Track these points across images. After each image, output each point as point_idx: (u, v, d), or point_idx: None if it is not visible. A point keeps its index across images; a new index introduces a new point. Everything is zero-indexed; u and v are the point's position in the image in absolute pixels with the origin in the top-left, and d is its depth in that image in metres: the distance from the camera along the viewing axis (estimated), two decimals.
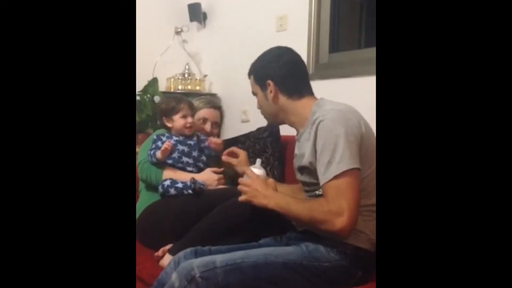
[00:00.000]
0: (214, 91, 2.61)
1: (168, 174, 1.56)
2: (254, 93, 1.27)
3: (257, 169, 1.21)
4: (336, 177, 1.01)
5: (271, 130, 1.86)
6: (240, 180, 1.18)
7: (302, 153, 1.14)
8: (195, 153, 1.64)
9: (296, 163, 1.21)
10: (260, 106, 1.27)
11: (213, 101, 1.98)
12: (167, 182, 1.52)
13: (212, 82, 2.64)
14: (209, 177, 1.57)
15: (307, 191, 1.17)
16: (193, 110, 1.71)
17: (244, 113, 2.37)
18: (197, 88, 2.57)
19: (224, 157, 1.52)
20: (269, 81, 1.20)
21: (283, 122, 1.26)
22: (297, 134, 1.23)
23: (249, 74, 1.28)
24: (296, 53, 1.26)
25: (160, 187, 1.53)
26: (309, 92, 1.22)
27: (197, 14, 2.59)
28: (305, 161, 1.11)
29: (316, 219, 1.03)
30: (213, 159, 1.69)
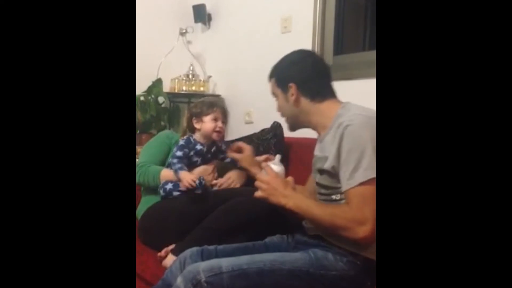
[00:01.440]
0: (218, 92, 2.62)
1: (166, 175, 1.55)
2: (275, 95, 1.25)
3: (276, 166, 1.18)
4: (361, 184, 0.98)
5: (275, 131, 1.86)
6: (258, 176, 1.15)
7: (325, 156, 1.11)
8: (208, 155, 1.62)
9: (316, 164, 1.18)
10: (280, 109, 1.25)
11: (222, 101, 1.97)
12: (169, 186, 1.51)
13: (216, 83, 2.65)
14: (204, 170, 1.56)
15: (321, 194, 1.15)
16: (225, 117, 1.65)
17: (248, 115, 2.37)
18: (201, 89, 2.57)
19: (229, 153, 1.51)
20: (291, 84, 1.18)
21: (304, 125, 1.23)
22: (318, 136, 1.21)
23: (270, 76, 1.26)
24: (319, 56, 1.25)
25: (162, 191, 1.52)
26: (332, 94, 1.20)
27: (201, 15, 2.60)
28: (327, 164, 1.08)
29: (338, 225, 1.01)
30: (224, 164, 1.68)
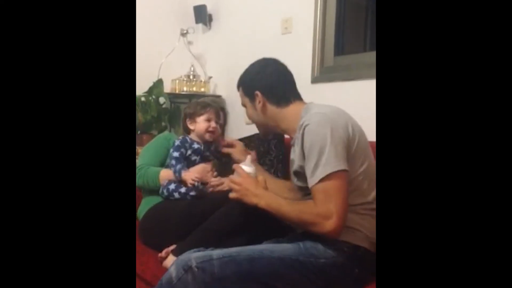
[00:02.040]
0: (218, 93, 2.62)
1: (166, 175, 1.56)
2: (244, 105, 1.31)
3: (247, 167, 1.21)
4: (322, 179, 1.02)
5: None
6: (230, 177, 1.19)
7: (294, 158, 1.16)
8: (206, 153, 1.64)
9: (291, 168, 1.22)
10: (250, 117, 1.31)
11: (217, 102, 1.98)
12: (172, 186, 1.51)
13: (217, 84, 2.65)
14: (203, 169, 1.57)
15: (304, 195, 1.17)
16: (219, 117, 1.67)
17: None
18: (202, 89, 2.58)
19: (224, 149, 1.57)
20: (257, 92, 1.23)
21: (275, 131, 1.29)
22: (291, 140, 1.24)
23: (238, 86, 1.32)
24: (281, 63, 1.29)
25: (165, 191, 1.53)
26: (297, 97, 1.24)
27: (202, 16, 2.60)
28: (296, 165, 1.13)
29: (306, 221, 1.05)
30: (222, 163, 1.69)
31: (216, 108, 1.66)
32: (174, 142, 1.62)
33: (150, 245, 1.47)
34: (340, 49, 2.04)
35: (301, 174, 1.13)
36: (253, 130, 2.02)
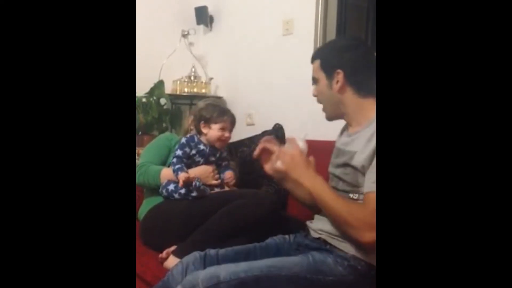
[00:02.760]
0: (219, 94, 2.62)
1: (167, 174, 1.55)
2: (315, 80, 1.17)
3: (302, 143, 1.11)
4: None
5: (277, 133, 1.86)
6: (283, 148, 1.10)
7: (353, 151, 1.08)
8: (211, 158, 1.61)
9: (340, 157, 1.13)
10: (319, 94, 1.17)
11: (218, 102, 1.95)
12: (171, 187, 1.51)
13: (218, 85, 2.65)
14: (204, 170, 1.55)
15: (338, 189, 1.12)
16: (233, 126, 1.62)
17: (249, 117, 2.37)
18: (203, 90, 2.58)
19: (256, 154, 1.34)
20: (339, 70, 1.10)
21: (341, 117, 1.17)
22: (347, 129, 1.16)
23: (314, 58, 1.17)
24: (371, 47, 1.17)
25: (164, 191, 1.52)
26: (375, 93, 1.13)
27: (204, 17, 2.61)
28: (357, 161, 1.04)
29: (348, 222, 0.99)
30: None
31: (233, 116, 1.61)
32: (180, 139, 1.61)
33: (151, 246, 1.47)
34: None
35: (353, 170, 1.05)
36: (254, 131, 2.03)
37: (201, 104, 1.66)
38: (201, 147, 1.59)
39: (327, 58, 1.14)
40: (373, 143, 1.01)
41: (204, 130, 1.59)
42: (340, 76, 1.10)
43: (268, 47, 2.29)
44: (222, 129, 1.57)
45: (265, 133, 1.89)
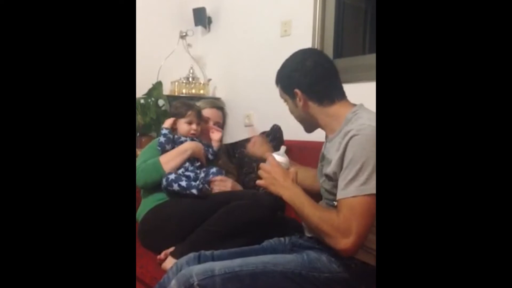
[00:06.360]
0: (218, 95, 2.62)
1: (165, 158, 1.58)
2: (284, 100, 1.23)
3: (279, 156, 1.17)
4: (355, 197, 0.97)
5: (275, 134, 1.86)
6: (261, 165, 1.14)
7: (328, 159, 1.11)
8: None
9: (322, 167, 1.17)
10: (291, 113, 1.23)
11: (216, 102, 1.99)
12: (172, 176, 1.50)
13: (216, 86, 2.65)
14: (196, 143, 1.65)
15: (325, 198, 1.15)
16: (200, 118, 1.72)
17: (248, 118, 2.37)
18: (201, 92, 2.58)
19: (247, 151, 1.55)
20: (296, 90, 1.14)
21: (317, 127, 1.21)
22: (326, 137, 1.19)
23: (276, 83, 1.23)
24: (322, 54, 1.21)
25: (164, 180, 1.51)
26: (341, 96, 1.16)
27: (202, 19, 2.61)
28: (329, 169, 1.07)
29: (323, 230, 1.01)
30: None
31: (198, 110, 1.72)
32: (158, 139, 1.66)
33: (149, 247, 1.47)
34: (339, 51, 2.04)
35: (331, 179, 1.08)
36: (252, 132, 2.02)
37: (173, 103, 1.80)
38: (182, 139, 1.67)
39: (284, 80, 1.19)
40: (341, 150, 1.03)
41: (175, 126, 1.70)
42: (299, 95, 1.15)
43: (267, 48, 2.29)
44: (189, 122, 1.68)
45: (263, 134, 1.89)
